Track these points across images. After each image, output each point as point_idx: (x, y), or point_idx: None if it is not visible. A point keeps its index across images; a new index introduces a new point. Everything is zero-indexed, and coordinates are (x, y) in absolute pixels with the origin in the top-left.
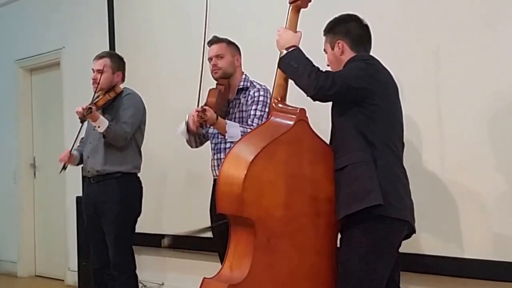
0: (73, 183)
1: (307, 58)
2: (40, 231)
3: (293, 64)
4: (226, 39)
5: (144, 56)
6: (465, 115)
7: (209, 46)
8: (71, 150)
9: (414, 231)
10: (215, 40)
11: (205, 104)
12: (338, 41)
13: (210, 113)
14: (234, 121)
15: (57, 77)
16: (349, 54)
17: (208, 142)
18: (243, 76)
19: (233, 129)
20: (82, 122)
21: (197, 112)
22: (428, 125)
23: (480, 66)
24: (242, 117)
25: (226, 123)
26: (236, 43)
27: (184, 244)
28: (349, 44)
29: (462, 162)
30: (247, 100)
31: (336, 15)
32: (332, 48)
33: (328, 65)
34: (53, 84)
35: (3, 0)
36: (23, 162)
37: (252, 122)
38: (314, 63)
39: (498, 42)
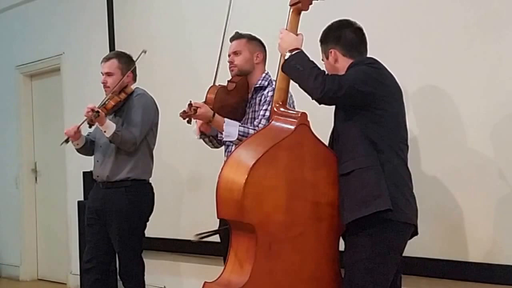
0: (74, 187)
1: (312, 61)
2: (42, 235)
3: (299, 67)
4: (249, 35)
5: (144, 61)
6: (469, 119)
7: (230, 43)
8: (79, 125)
9: (416, 233)
10: (236, 36)
11: (205, 100)
12: (330, 50)
13: (203, 110)
14: (247, 122)
15: (57, 82)
16: (342, 61)
17: None
18: (263, 74)
19: (230, 128)
20: (90, 126)
21: (189, 103)
22: (432, 130)
23: (484, 71)
24: (254, 118)
25: (224, 121)
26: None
27: (185, 248)
28: (341, 51)
29: (464, 166)
30: (260, 100)
31: (329, 22)
32: (327, 58)
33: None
34: (53, 89)
35: (3, 6)
36: (24, 167)
37: (259, 122)
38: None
39: (502, 48)
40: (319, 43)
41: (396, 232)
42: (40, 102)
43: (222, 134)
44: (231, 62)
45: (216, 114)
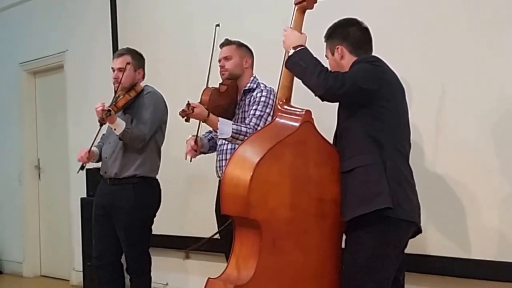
0: (77, 185)
1: (316, 58)
2: (45, 232)
3: (302, 64)
4: (237, 41)
5: (147, 58)
6: (472, 117)
7: (220, 49)
8: (90, 148)
9: (420, 231)
10: (226, 43)
11: (199, 102)
12: (337, 46)
13: (199, 110)
14: (237, 121)
15: (60, 79)
16: (349, 58)
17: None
18: (251, 78)
19: (225, 126)
20: (101, 125)
21: (187, 102)
22: (434, 127)
23: (485, 69)
24: (244, 117)
25: (219, 120)
26: (249, 45)
27: (189, 244)
28: (349, 49)
29: (468, 164)
30: (249, 101)
31: (336, 20)
32: (332, 54)
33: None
34: (56, 86)
35: (7, 4)
36: (27, 164)
37: (250, 121)
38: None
39: (503, 46)
40: (324, 39)
41: (397, 229)
42: (43, 99)
43: (216, 132)
44: (222, 67)
45: (211, 114)
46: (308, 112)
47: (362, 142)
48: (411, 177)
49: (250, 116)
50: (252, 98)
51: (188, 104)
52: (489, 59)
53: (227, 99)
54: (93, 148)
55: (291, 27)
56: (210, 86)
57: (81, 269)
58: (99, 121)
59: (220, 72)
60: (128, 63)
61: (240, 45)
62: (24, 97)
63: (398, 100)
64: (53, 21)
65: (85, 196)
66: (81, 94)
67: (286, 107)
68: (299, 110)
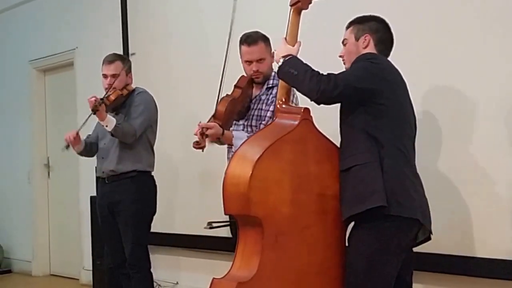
0: (86, 183)
1: (306, 64)
2: (54, 231)
3: (293, 71)
4: (262, 35)
5: (158, 56)
6: (479, 115)
7: (248, 46)
8: (78, 131)
9: (430, 233)
10: (253, 41)
11: (214, 113)
12: (366, 35)
13: (213, 131)
14: (252, 118)
15: (70, 77)
16: (371, 49)
17: None
18: (273, 73)
19: (240, 142)
20: (94, 113)
21: (200, 129)
22: (443, 125)
23: (497, 63)
24: (260, 115)
25: (233, 136)
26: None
27: (198, 243)
28: (375, 42)
29: (475, 162)
30: (268, 99)
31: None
32: (357, 40)
33: (340, 56)
34: (66, 84)
35: (17, 1)
36: (37, 162)
37: (266, 124)
38: (314, 68)
39: None
40: (349, 24)
41: (396, 226)
42: (53, 97)
43: (231, 147)
44: (256, 71)
45: (225, 131)
46: (307, 110)
47: (361, 140)
48: (414, 176)
49: (267, 119)
50: (271, 97)
51: (202, 133)
52: (498, 55)
53: (242, 100)
54: (81, 136)
55: (287, 30)
56: (224, 82)
57: (91, 268)
58: (92, 109)
59: (253, 75)
60: (122, 69)
61: (266, 39)
62: (34, 94)
63: (399, 98)
64: (63, 19)
65: (94, 194)
66: (91, 92)
67: (284, 106)
68: (298, 108)
